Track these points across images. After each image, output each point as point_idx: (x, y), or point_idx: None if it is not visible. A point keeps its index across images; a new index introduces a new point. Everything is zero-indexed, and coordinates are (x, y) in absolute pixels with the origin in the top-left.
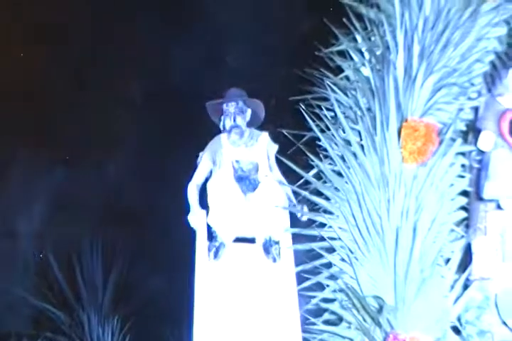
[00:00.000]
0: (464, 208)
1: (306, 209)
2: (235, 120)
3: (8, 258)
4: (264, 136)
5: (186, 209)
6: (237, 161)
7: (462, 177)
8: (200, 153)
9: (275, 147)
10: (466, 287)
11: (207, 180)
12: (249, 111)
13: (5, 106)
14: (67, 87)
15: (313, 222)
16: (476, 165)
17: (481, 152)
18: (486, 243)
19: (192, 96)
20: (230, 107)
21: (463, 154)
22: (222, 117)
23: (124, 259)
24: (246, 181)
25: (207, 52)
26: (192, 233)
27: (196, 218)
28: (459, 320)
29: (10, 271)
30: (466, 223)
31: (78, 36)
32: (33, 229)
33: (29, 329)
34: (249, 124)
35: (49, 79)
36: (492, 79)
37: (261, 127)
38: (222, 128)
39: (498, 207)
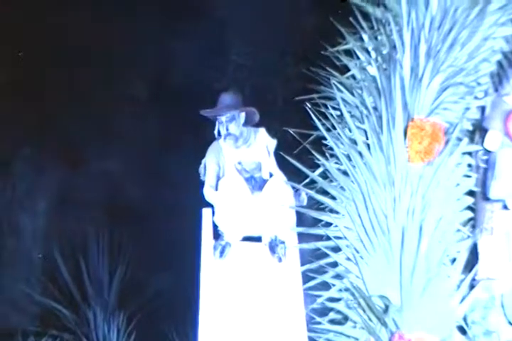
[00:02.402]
0: (470, 208)
1: (304, 195)
2: (227, 129)
3: (14, 255)
4: (262, 132)
5: (193, 206)
6: (239, 163)
7: (468, 176)
8: (203, 160)
9: (274, 142)
10: (472, 287)
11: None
12: (242, 115)
13: (11, 105)
14: (73, 84)
15: (319, 221)
16: (482, 165)
17: (487, 152)
18: (493, 243)
19: (198, 94)
20: (222, 117)
21: (469, 154)
22: (217, 123)
23: (130, 257)
24: (252, 181)
25: (213, 51)
26: (198, 231)
27: (214, 193)
28: (464, 320)
29: (16, 269)
30: (473, 223)
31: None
32: (38, 226)
33: (35, 326)
34: (245, 124)
35: (52, 78)
36: (499, 78)
37: (267, 126)
38: (216, 135)
39: (505, 207)
